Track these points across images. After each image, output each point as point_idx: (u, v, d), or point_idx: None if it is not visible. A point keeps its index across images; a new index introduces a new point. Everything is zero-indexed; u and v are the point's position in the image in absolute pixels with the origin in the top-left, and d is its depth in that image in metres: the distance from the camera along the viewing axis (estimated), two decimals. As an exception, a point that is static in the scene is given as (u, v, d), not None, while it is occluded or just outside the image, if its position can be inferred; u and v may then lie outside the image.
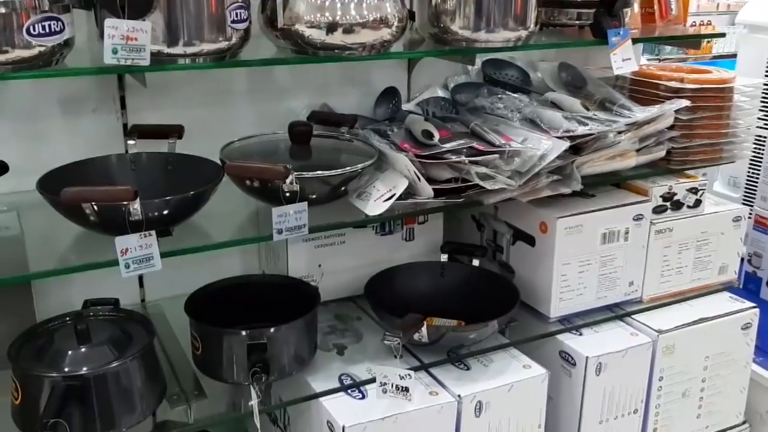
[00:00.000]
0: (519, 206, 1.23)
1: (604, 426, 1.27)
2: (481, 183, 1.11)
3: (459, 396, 1.10)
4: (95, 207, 0.91)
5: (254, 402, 0.99)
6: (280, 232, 1.02)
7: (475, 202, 1.16)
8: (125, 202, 0.90)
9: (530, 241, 1.27)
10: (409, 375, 1.00)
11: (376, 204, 1.10)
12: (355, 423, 1.02)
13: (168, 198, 0.95)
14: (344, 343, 1.22)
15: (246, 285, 1.20)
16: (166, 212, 0.96)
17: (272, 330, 1.05)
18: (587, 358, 1.21)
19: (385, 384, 1.01)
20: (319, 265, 1.30)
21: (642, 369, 1.29)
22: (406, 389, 1.01)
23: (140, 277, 1.33)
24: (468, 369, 1.17)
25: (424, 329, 1.09)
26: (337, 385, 1.10)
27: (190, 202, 0.99)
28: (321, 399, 1.08)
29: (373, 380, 1.10)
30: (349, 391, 1.09)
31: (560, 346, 1.26)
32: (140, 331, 1.04)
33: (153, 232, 0.93)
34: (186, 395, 1.08)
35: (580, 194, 1.24)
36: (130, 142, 1.13)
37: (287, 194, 1.01)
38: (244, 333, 1.04)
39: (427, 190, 1.12)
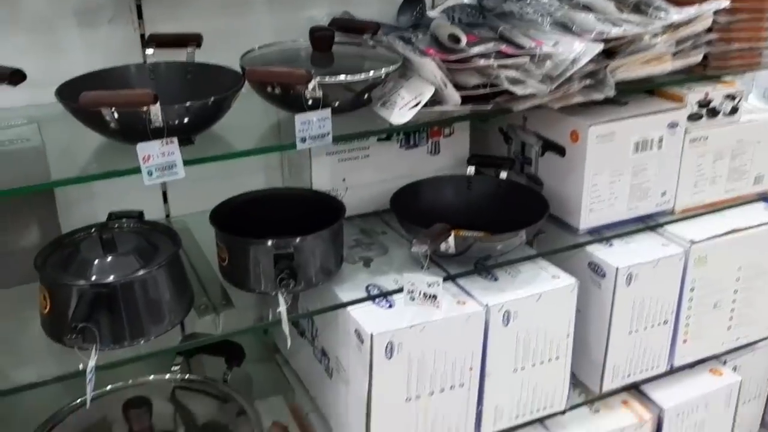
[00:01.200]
0: (549, 115, 1.20)
1: (633, 337, 1.26)
2: (511, 88, 1.08)
3: (487, 305, 1.09)
4: (115, 113, 0.89)
5: (282, 308, 0.98)
6: (303, 140, 1.00)
7: (504, 110, 1.12)
8: (145, 107, 0.88)
9: (560, 151, 1.24)
10: (437, 283, 0.99)
11: (401, 112, 1.07)
12: (384, 331, 1.02)
13: (188, 104, 0.93)
14: (370, 256, 1.21)
15: (270, 198, 1.18)
16: (186, 119, 0.94)
17: (298, 240, 1.03)
18: (617, 268, 1.19)
19: (412, 292, 1.00)
20: (343, 180, 1.28)
21: (673, 280, 1.26)
22: (434, 297, 0.99)
23: (164, 193, 1.32)
24: (496, 280, 1.16)
25: (451, 239, 1.07)
26: (364, 294, 1.09)
27: (212, 108, 0.96)
28: (348, 308, 1.07)
29: (400, 290, 1.09)
30: (376, 300, 1.09)
31: (589, 257, 1.24)
32: (166, 241, 1.03)
33: (175, 139, 0.91)
34: (214, 305, 1.07)
35: (612, 101, 1.20)
36: (149, 51, 1.10)
37: (310, 101, 0.98)
38: (270, 243, 1.03)
39: (454, 97, 1.08)
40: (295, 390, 1.35)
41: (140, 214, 1.10)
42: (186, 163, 0.93)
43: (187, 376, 1.23)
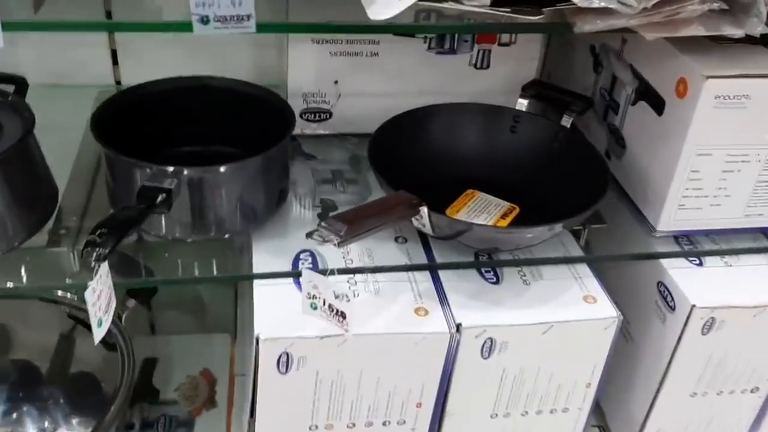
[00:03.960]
0: (652, 46, 0.74)
1: (698, 400, 0.84)
2: (569, -7, 0.64)
3: (459, 326, 0.71)
4: None
5: (100, 275, 0.64)
6: (204, 20, 0.63)
7: (558, 25, 0.69)
8: None
9: (658, 104, 0.78)
10: (345, 297, 0.61)
11: (387, 2, 0.66)
12: (277, 336, 0.67)
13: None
14: (340, 201, 0.85)
15: (196, 91, 0.83)
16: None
17: (187, 172, 0.69)
18: (693, 307, 0.76)
19: (314, 298, 0.63)
20: (336, 82, 0.90)
21: (785, 337, 0.82)
22: (342, 315, 0.63)
23: (114, 53, 1.00)
24: (497, 282, 0.77)
25: (424, 214, 0.68)
26: (287, 267, 0.74)
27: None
28: (256, 287, 0.72)
29: (352, 271, 0.74)
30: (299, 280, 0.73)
31: (661, 275, 0.81)
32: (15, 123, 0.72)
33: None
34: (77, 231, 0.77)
35: (755, 41, 0.73)
36: None
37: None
38: (143, 168, 0.69)
39: (479, -10, 0.66)
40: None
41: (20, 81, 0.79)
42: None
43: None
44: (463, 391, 0.75)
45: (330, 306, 0.62)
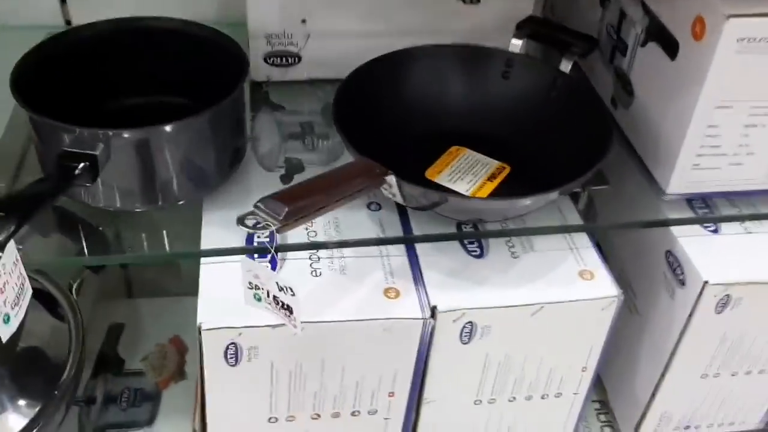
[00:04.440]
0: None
1: (709, 382, 0.76)
2: None
3: (434, 309, 0.62)
4: None
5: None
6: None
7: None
8: None
9: (670, 46, 0.67)
10: (290, 290, 0.52)
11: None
12: (221, 326, 0.58)
13: None
14: (306, 162, 0.75)
15: (138, 34, 0.72)
16: None
17: (113, 135, 0.59)
18: (705, 284, 0.67)
19: (257, 288, 0.54)
20: (303, 21, 0.79)
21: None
22: (288, 309, 0.54)
23: (61, -11, 0.90)
24: (480, 256, 0.67)
25: (392, 183, 0.59)
26: (240, 243, 0.65)
27: None
28: (202, 266, 0.63)
29: (312, 246, 0.65)
30: (257, 256, 0.64)
31: (670, 243, 0.71)
32: None
33: None
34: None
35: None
36: None
37: None
38: (61, 131, 0.59)
39: None
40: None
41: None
42: None
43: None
44: (442, 378, 0.67)
45: (275, 298, 0.53)
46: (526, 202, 0.61)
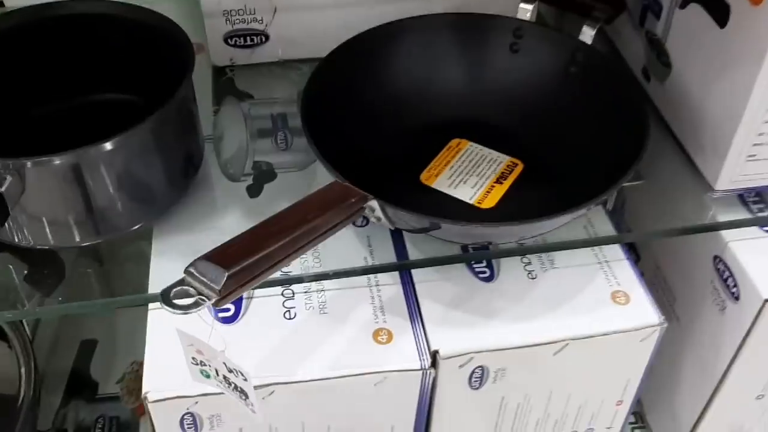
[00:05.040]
0: None
1: (763, 402, 0.64)
2: None
3: (433, 355, 0.51)
4: None
5: None
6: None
7: None
8: None
9: (718, 9, 0.53)
10: (241, 374, 0.40)
11: None
12: (175, 395, 0.47)
13: None
14: (277, 166, 0.63)
15: (65, 24, 0.59)
16: None
17: (27, 165, 0.47)
18: (766, 302, 0.54)
19: (202, 365, 0.43)
20: (268, -7, 0.66)
21: None
22: (244, 393, 0.42)
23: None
24: (489, 278, 0.55)
25: (375, 207, 0.47)
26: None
27: None
28: (150, 313, 0.52)
29: (281, 282, 0.53)
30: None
31: (719, 248, 0.58)
32: None
33: None
34: None
35: None
36: None
37: None
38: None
39: None
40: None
41: None
42: None
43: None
44: (450, 425, 0.56)
45: (225, 378, 0.42)
46: (548, 223, 0.48)
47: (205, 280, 0.36)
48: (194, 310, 0.36)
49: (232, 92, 0.69)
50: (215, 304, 0.36)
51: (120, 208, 0.52)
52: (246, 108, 0.67)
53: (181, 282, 0.37)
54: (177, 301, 0.36)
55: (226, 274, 0.36)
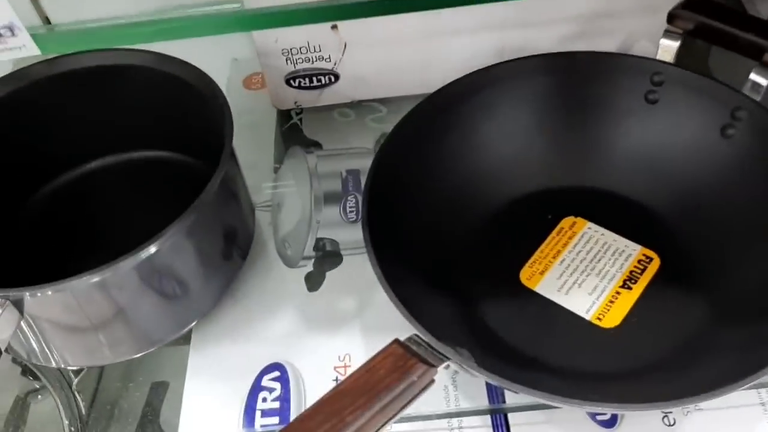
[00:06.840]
0: None
1: None
2: None
3: None
4: None
5: None
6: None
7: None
8: None
9: None
10: None
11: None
12: None
13: None
14: (343, 245, 0.51)
15: (90, 78, 0.49)
16: None
17: (27, 296, 0.38)
18: None
19: None
20: (334, 27, 0.53)
21: None
22: None
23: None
24: (611, 424, 0.42)
25: (455, 367, 0.34)
26: (236, 406, 0.43)
27: None
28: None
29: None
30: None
31: None
32: None
33: None
34: None
35: None
36: None
37: None
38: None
39: None
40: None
41: None
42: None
43: None
44: None
45: None
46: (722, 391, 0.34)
47: None
48: None
49: (297, 140, 0.58)
50: None
51: (147, 326, 0.43)
52: (313, 163, 0.56)
53: None
54: None
55: None
